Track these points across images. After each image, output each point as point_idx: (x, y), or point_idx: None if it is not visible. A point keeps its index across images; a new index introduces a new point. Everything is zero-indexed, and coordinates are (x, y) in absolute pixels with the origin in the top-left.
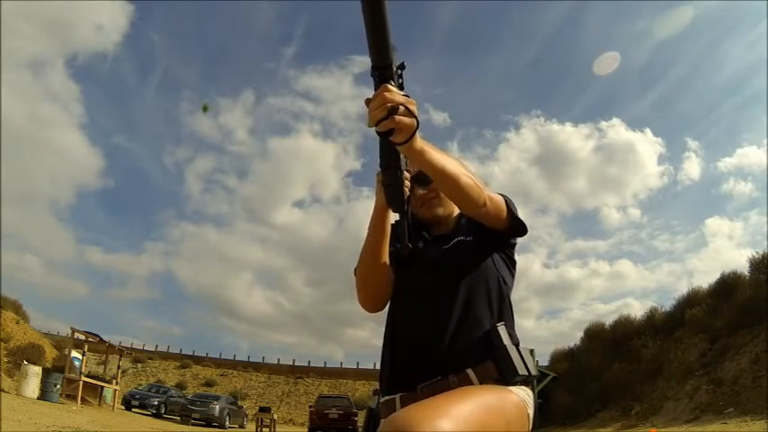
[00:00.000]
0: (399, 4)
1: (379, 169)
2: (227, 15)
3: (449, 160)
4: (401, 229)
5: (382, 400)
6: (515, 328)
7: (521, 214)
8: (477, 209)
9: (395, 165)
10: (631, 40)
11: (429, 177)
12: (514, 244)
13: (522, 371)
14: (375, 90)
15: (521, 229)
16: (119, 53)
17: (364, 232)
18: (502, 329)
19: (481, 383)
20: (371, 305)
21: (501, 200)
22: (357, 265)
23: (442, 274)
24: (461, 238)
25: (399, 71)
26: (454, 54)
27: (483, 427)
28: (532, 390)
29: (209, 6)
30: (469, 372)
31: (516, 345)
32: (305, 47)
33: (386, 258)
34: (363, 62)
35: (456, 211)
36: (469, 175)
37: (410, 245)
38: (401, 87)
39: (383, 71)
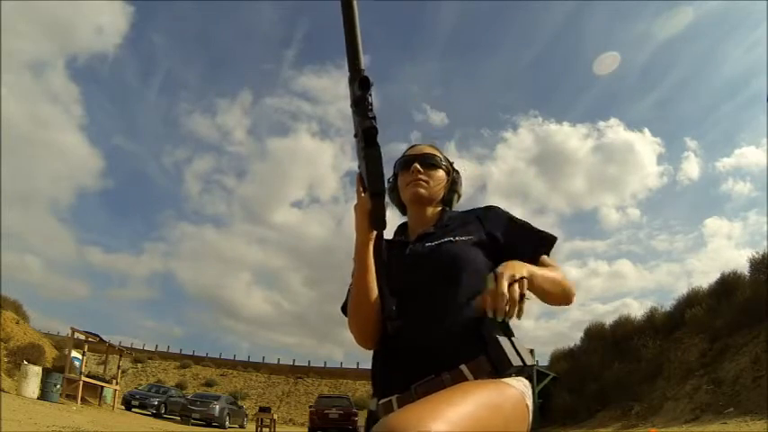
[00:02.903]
0: (401, 6)
1: (357, 197)
2: (227, 17)
3: (551, 274)
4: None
5: (381, 402)
6: (509, 321)
7: (520, 215)
8: (569, 302)
9: (380, 174)
10: (632, 42)
11: (429, 160)
12: None
13: (515, 362)
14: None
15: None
16: (119, 54)
17: (354, 244)
18: (493, 322)
19: (476, 379)
20: (372, 343)
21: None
22: (348, 306)
23: (429, 272)
24: (450, 238)
25: (370, 98)
26: (454, 55)
27: (480, 425)
28: (530, 380)
29: (210, 8)
30: (463, 368)
31: (509, 336)
32: (305, 48)
33: (376, 293)
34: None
35: (438, 202)
36: (563, 278)
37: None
38: (371, 109)
39: (369, 132)
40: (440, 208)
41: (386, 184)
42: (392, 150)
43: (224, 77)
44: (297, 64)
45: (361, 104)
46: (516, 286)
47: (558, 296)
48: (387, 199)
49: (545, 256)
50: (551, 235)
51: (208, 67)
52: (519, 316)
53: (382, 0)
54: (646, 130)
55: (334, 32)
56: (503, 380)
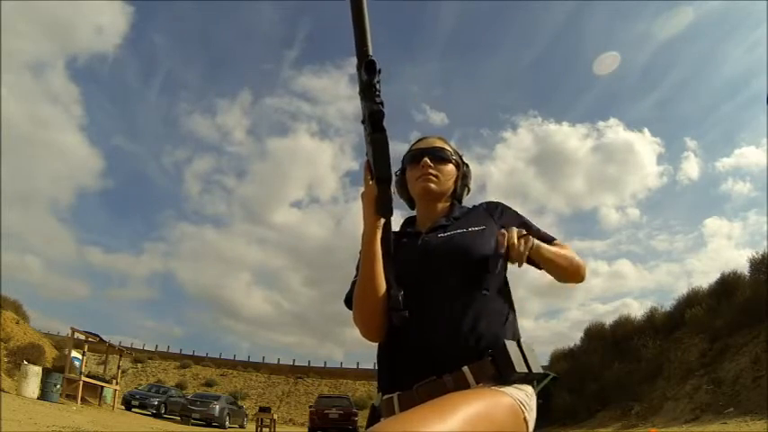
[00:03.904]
0: (401, 6)
1: (365, 185)
2: (227, 17)
3: (559, 250)
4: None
5: (383, 398)
6: (517, 322)
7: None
8: (576, 282)
9: (387, 161)
10: (632, 42)
11: (439, 154)
12: None
13: (520, 368)
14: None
15: None
16: (119, 55)
17: (362, 232)
18: (501, 325)
19: (477, 382)
20: (377, 335)
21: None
22: (354, 296)
23: (442, 262)
24: (464, 229)
25: (378, 82)
26: (454, 55)
27: None
28: (537, 386)
29: (210, 8)
30: (465, 370)
31: (517, 340)
32: (304, 49)
33: (384, 284)
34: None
35: (448, 197)
36: (574, 258)
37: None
38: (378, 94)
39: (375, 116)
40: (449, 203)
41: (392, 170)
42: (392, 151)
43: (224, 77)
44: (296, 64)
45: (368, 89)
46: (523, 240)
47: (568, 270)
48: (393, 189)
49: (555, 240)
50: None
51: (208, 67)
52: (520, 263)
53: (382, 0)
54: (646, 130)
55: (333, 33)
56: (501, 389)
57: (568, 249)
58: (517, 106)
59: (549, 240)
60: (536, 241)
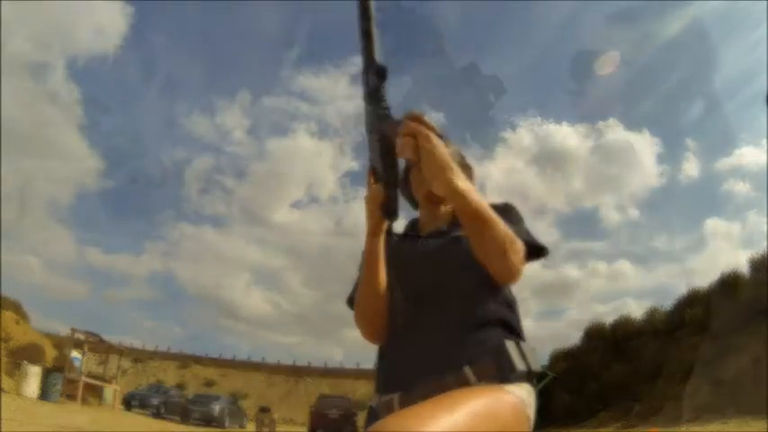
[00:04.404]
0: (402, 6)
1: (367, 189)
2: (227, 17)
3: (495, 217)
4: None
5: (381, 399)
6: (519, 322)
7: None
8: (508, 271)
9: (393, 165)
10: (632, 42)
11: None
12: None
13: (520, 366)
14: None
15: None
16: (119, 55)
17: (362, 233)
18: (500, 324)
19: (479, 381)
20: (378, 337)
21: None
22: (356, 298)
23: (439, 268)
24: (460, 233)
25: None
26: (454, 56)
27: None
28: (534, 387)
29: (210, 8)
30: (466, 370)
31: (516, 340)
32: (303, 49)
33: (386, 286)
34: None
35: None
36: (512, 243)
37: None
38: (385, 99)
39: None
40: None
41: (398, 174)
42: None
43: (224, 77)
44: (296, 64)
45: (375, 95)
46: (422, 138)
47: (488, 243)
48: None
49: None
50: (543, 246)
51: (208, 67)
52: (402, 156)
53: (383, 0)
54: (645, 130)
55: (333, 33)
56: (503, 386)
57: (519, 245)
58: (517, 106)
59: (532, 245)
60: (438, 149)
